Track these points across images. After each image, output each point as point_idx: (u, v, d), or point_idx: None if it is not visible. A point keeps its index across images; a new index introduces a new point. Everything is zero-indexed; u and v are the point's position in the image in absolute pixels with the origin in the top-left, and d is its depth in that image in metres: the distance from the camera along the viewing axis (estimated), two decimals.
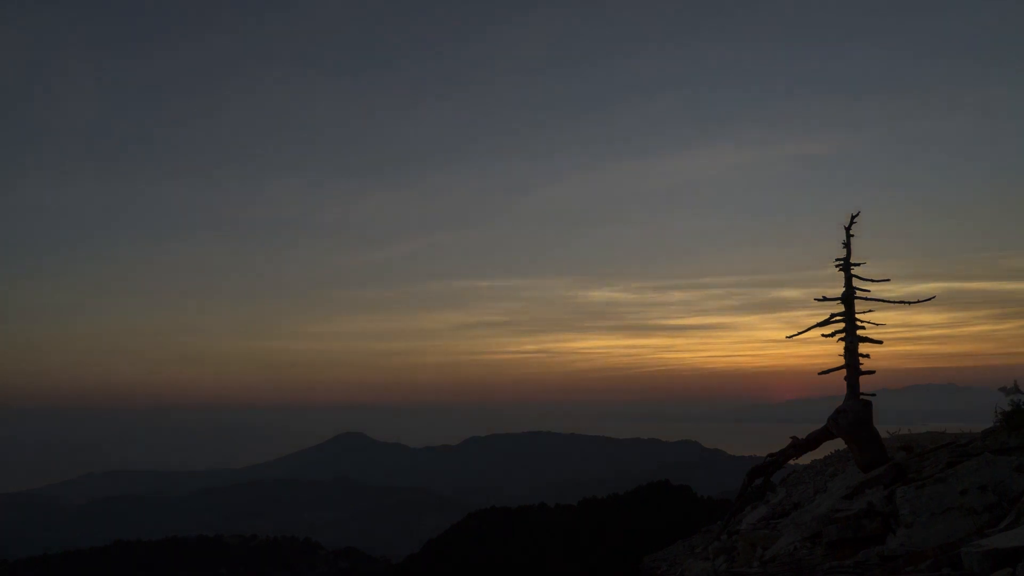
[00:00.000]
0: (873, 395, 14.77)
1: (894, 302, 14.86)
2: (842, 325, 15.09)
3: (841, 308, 15.19)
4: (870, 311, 15.01)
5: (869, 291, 15.09)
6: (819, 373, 15.31)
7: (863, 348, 14.93)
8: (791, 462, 16.45)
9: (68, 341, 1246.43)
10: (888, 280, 15.02)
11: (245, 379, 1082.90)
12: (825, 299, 15.37)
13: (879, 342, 14.87)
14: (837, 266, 15.34)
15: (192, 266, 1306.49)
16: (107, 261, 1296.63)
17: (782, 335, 16.42)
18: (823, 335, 15.25)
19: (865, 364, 14.86)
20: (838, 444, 17.45)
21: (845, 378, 14.86)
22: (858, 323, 15.02)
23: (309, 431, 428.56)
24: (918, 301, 14.86)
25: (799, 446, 15.44)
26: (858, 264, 15.23)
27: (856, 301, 15.14)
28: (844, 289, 15.20)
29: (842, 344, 15.04)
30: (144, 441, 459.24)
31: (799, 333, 15.72)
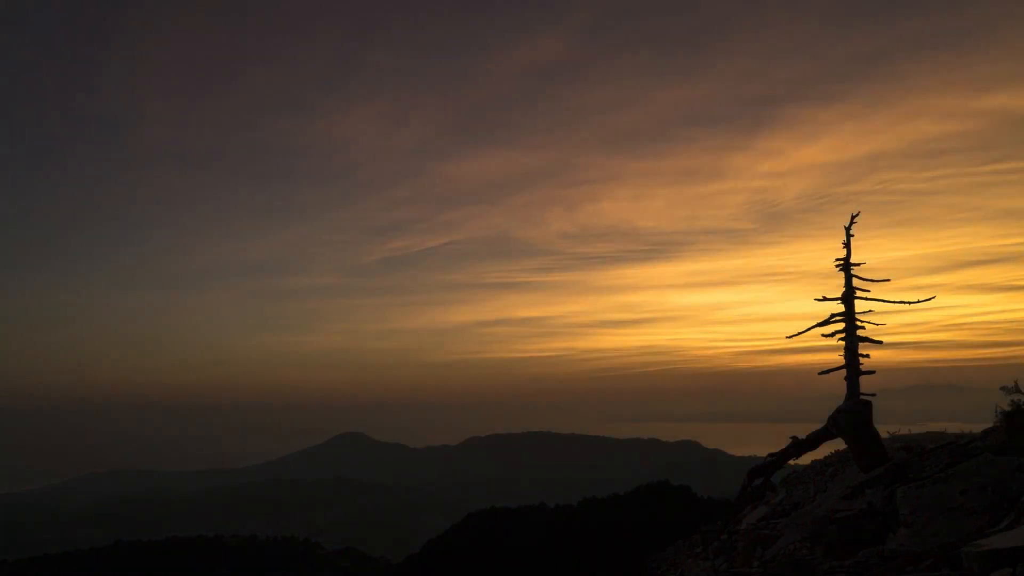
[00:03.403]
0: (873, 395, 14.79)
1: (894, 302, 14.89)
2: (842, 325, 15.12)
3: (841, 308, 15.23)
4: (870, 311, 15.05)
5: (869, 291, 15.13)
6: (819, 373, 15.34)
7: (863, 348, 14.95)
8: (791, 462, 16.47)
9: (69, 341, 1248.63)
10: (888, 280, 15.08)
11: (245, 379, 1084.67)
12: (825, 299, 15.40)
13: (879, 342, 14.90)
14: (837, 266, 15.38)
15: (192, 266, 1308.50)
16: (108, 261, 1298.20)
17: (782, 335, 16.45)
18: (823, 335, 15.29)
19: (865, 364, 14.89)
20: (838, 444, 17.46)
21: (845, 378, 14.88)
22: (858, 323, 15.05)
23: (309, 431, 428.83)
24: (918, 301, 14.89)
25: (799, 446, 15.46)
26: (858, 264, 15.28)
27: (856, 301, 15.17)
28: (844, 289, 15.24)
29: (842, 344, 15.08)
30: (144, 441, 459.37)
31: (799, 333, 15.75)
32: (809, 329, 15.54)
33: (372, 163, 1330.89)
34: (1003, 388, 13.35)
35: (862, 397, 14.70)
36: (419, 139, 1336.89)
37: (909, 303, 14.84)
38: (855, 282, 15.22)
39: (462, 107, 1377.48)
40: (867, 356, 14.90)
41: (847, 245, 15.30)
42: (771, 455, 15.82)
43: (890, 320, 15.03)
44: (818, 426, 15.15)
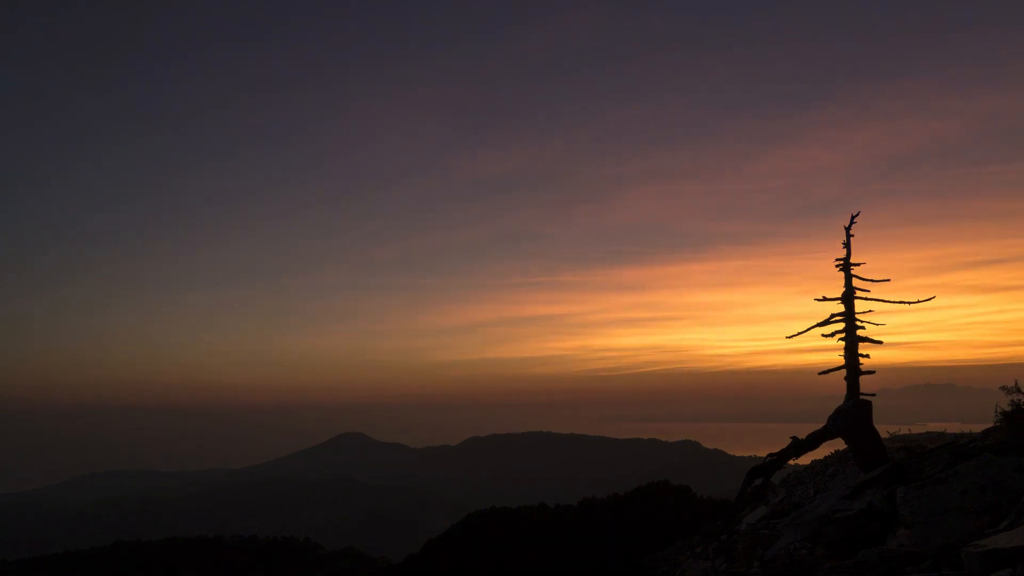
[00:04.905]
0: (873, 395, 14.78)
1: (894, 302, 14.88)
2: (842, 325, 15.11)
3: (841, 308, 15.22)
4: (870, 311, 15.04)
5: (869, 291, 15.12)
6: (819, 373, 15.33)
7: (863, 348, 14.94)
8: (791, 462, 16.46)
9: (69, 342, 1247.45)
10: (888, 280, 15.07)
11: (245, 379, 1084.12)
12: (825, 299, 15.39)
13: (879, 342, 14.89)
14: (837, 266, 15.38)
15: (193, 267, 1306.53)
16: (108, 262, 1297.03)
17: (782, 335, 16.45)
18: (823, 335, 15.27)
19: (865, 364, 14.88)
20: (838, 444, 17.46)
21: (845, 378, 14.87)
22: (858, 323, 15.04)
23: (309, 431, 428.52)
24: (918, 301, 14.88)
25: (799, 446, 15.44)
26: (858, 264, 15.27)
27: (856, 301, 15.16)
28: (844, 289, 15.23)
29: (842, 344, 15.06)
30: (144, 441, 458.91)
31: (799, 333, 15.74)
32: (809, 329, 15.54)
33: (381, 161, 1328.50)
34: (1003, 388, 13.36)
35: (862, 397, 14.69)
36: (435, 137, 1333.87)
37: (909, 303, 14.84)
38: (855, 282, 15.22)
39: (479, 104, 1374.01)
40: (867, 356, 14.90)
41: (847, 245, 15.30)
42: (771, 455, 15.80)
43: (890, 320, 15.04)
44: (818, 426, 15.14)
